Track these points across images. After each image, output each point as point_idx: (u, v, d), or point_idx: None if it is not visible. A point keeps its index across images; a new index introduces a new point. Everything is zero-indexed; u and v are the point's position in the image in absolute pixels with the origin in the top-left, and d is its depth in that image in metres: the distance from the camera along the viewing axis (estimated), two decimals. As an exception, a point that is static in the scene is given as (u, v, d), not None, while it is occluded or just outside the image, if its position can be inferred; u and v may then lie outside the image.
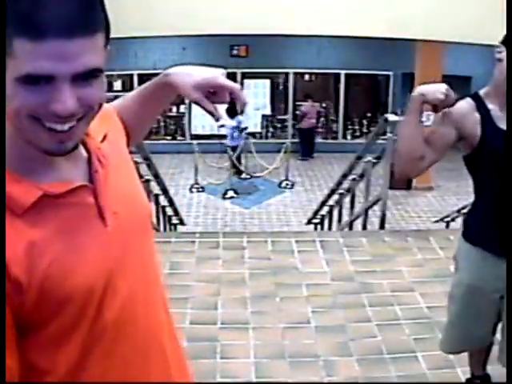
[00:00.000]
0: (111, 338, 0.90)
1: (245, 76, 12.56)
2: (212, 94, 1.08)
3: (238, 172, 10.62)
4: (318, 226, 6.90)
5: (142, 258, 0.98)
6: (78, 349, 0.86)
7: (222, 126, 9.31)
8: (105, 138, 0.97)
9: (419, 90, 1.79)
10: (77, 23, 0.74)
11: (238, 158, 10.53)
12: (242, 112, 1.11)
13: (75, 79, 0.78)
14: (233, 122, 9.26)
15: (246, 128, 10.06)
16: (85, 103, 0.81)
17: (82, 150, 0.91)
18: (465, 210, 7.04)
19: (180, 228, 7.11)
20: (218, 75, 1.09)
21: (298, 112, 12.57)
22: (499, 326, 2.07)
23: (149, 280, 1.01)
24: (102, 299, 0.87)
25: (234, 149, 10.18)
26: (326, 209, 6.53)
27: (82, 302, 0.84)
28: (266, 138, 13.00)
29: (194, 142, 10.71)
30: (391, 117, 4.42)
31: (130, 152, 1.13)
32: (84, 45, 0.76)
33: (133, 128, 1.16)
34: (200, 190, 10.30)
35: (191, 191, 10.25)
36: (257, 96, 12.84)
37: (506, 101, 1.79)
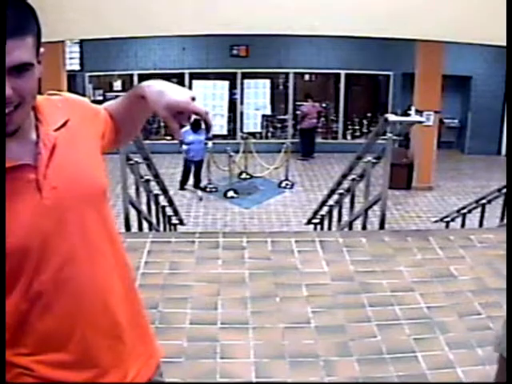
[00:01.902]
0: (51, 294, 1.04)
1: (245, 76, 12.57)
2: (178, 113, 1.17)
3: (198, 186, 10.27)
4: (318, 226, 6.90)
5: (85, 227, 1.09)
6: (19, 303, 1.02)
7: (182, 143, 9.67)
8: (64, 124, 1.12)
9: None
10: (11, 28, 0.94)
11: (198, 172, 10.25)
12: (208, 131, 1.21)
13: (10, 71, 0.95)
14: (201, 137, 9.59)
15: (207, 142, 10.06)
16: (18, 93, 0.98)
17: (33, 134, 1.08)
18: (465, 210, 7.06)
19: (180, 228, 7.11)
20: (189, 100, 1.16)
21: (298, 112, 12.57)
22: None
23: (94, 246, 1.11)
24: (40, 258, 1.03)
25: (193, 162, 10.08)
26: (325, 209, 6.53)
27: (19, 260, 1.01)
28: (266, 137, 13.00)
29: (210, 142, 10.67)
30: (391, 117, 4.42)
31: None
32: (16, 44, 0.95)
33: (122, 126, 1.31)
34: (213, 190, 10.27)
35: (204, 191, 10.24)
36: (257, 96, 12.85)
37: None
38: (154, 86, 1.19)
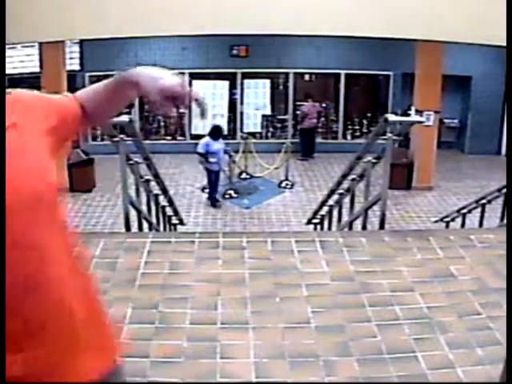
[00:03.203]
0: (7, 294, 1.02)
1: (245, 76, 12.57)
2: (173, 98, 1.19)
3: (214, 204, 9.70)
4: (318, 226, 6.90)
5: (31, 230, 1.06)
6: None
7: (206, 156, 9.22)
8: (12, 126, 1.08)
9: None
10: None
11: (210, 184, 9.69)
12: (203, 115, 1.24)
13: None
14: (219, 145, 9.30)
15: (227, 150, 9.69)
16: None
17: None
18: (465, 210, 7.06)
19: (180, 228, 7.11)
20: (182, 83, 1.19)
21: (298, 112, 12.57)
22: None
23: (44, 248, 1.09)
24: None
25: (211, 172, 9.54)
26: (325, 209, 6.53)
27: None
28: (266, 138, 13.00)
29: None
30: (391, 117, 4.42)
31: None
32: None
33: (98, 111, 1.32)
34: None
35: (203, 191, 10.23)
36: (257, 96, 12.85)
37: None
38: (144, 72, 1.21)
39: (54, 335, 1.11)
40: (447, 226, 7.47)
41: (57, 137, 1.20)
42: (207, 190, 9.92)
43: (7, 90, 1.16)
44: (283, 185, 10.61)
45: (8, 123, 1.08)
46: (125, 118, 3.96)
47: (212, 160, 9.27)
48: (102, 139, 11.41)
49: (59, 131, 1.21)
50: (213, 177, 9.49)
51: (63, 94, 1.30)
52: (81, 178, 10.05)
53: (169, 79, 1.19)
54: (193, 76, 12.33)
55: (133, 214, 4.69)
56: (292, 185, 10.64)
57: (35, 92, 1.23)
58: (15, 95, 1.16)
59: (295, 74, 12.71)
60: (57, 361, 1.12)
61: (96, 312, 1.24)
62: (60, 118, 1.22)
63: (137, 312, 2.96)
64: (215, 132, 9.25)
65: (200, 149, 9.26)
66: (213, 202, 9.60)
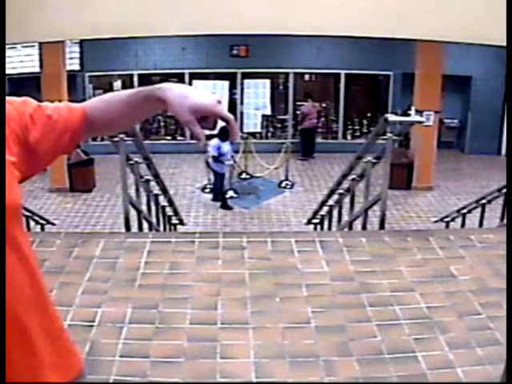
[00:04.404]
0: None
1: (245, 76, 12.57)
2: (202, 118, 1.11)
3: (225, 206, 9.59)
4: (318, 226, 6.90)
5: None
6: None
7: (218, 158, 9.14)
8: None
9: None
10: None
11: (221, 186, 9.64)
12: (231, 142, 1.14)
13: None
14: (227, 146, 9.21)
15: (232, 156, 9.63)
16: None
17: None
18: (465, 210, 7.06)
19: (180, 228, 7.11)
20: (215, 103, 1.11)
21: (298, 112, 12.57)
22: None
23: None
24: None
25: (216, 174, 9.52)
26: (325, 209, 6.53)
27: None
28: (266, 138, 13.01)
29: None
30: (391, 117, 4.42)
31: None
32: None
33: (104, 124, 1.23)
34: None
35: (203, 191, 10.23)
36: (257, 96, 12.85)
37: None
38: (175, 90, 1.11)
39: (7, 353, 1.04)
40: (447, 226, 7.47)
41: (40, 147, 1.13)
42: (208, 191, 9.94)
43: None
44: (283, 185, 10.61)
45: None
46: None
47: (227, 162, 9.27)
48: (102, 139, 11.39)
49: (42, 142, 1.13)
50: (219, 178, 9.49)
51: (65, 104, 1.21)
52: (81, 178, 10.06)
53: (201, 98, 1.10)
54: (193, 76, 12.35)
55: (133, 213, 4.70)
56: (292, 185, 10.64)
57: (14, 99, 1.14)
58: None
59: (295, 73, 12.71)
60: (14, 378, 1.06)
61: (52, 325, 1.17)
62: (44, 130, 1.14)
63: (137, 312, 2.96)
64: (224, 133, 9.21)
65: (213, 152, 9.13)
66: (224, 203, 9.52)
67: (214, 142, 9.11)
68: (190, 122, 1.09)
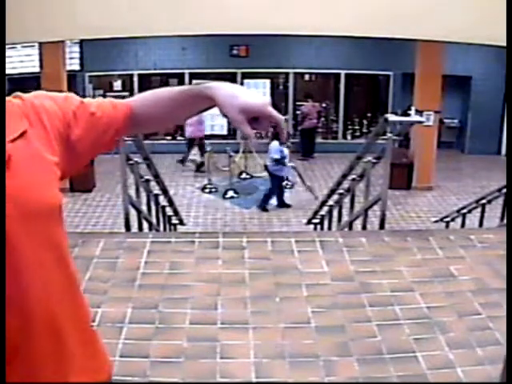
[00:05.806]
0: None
1: (245, 76, 12.56)
2: (253, 119, 1.10)
3: (284, 204, 9.53)
4: (318, 226, 6.90)
5: (31, 246, 1.01)
6: None
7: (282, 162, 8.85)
8: (22, 134, 1.01)
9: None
10: None
11: (279, 189, 9.50)
12: (282, 141, 1.14)
13: None
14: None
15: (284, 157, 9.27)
16: None
17: None
18: (465, 210, 7.06)
19: (180, 228, 7.11)
20: (266, 104, 1.09)
21: (298, 112, 12.57)
22: None
23: (44, 267, 1.04)
24: None
25: (275, 177, 9.28)
26: (325, 209, 6.53)
27: None
28: (266, 137, 12.98)
29: (207, 141, 10.64)
30: (391, 117, 4.42)
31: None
32: None
33: (148, 123, 1.24)
34: (213, 190, 10.23)
35: (203, 191, 10.22)
36: (257, 96, 12.85)
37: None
38: (225, 89, 1.11)
39: (39, 355, 1.04)
40: (447, 226, 7.47)
41: (80, 145, 1.12)
42: (228, 193, 9.86)
43: (19, 94, 1.08)
44: (283, 185, 10.59)
45: (20, 130, 1.02)
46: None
47: (289, 164, 9.11)
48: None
49: (83, 140, 1.12)
50: (279, 181, 9.37)
51: (109, 100, 1.20)
52: (81, 178, 10.05)
53: (252, 98, 1.09)
54: (193, 76, 12.35)
55: (133, 213, 4.70)
56: (292, 185, 10.63)
57: (56, 95, 1.13)
58: (27, 100, 1.07)
59: (295, 73, 12.72)
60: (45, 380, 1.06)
61: (86, 329, 1.18)
62: (87, 128, 1.12)
63: (137, 312, 2.96)
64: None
65: (276, 155, 8.92)
66: (282, 202, 9.42)
67: (275, 144, 8.85)
68: (239, 121, 1.08)
